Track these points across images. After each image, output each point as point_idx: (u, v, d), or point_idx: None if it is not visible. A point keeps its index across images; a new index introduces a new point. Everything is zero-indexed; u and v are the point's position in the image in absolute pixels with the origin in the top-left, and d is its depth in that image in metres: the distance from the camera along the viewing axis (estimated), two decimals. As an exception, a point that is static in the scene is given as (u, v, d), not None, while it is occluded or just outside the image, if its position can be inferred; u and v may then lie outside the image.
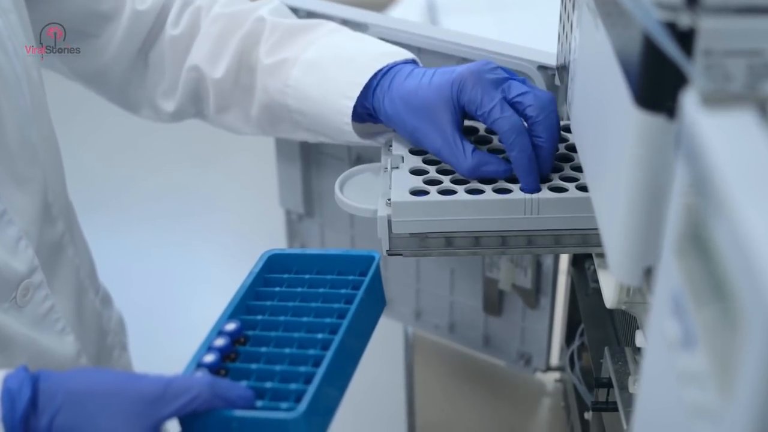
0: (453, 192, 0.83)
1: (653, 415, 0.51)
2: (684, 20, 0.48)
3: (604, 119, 0.64)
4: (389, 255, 0.85)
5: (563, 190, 0.82)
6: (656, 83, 0.52)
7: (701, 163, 0.42)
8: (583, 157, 0.76)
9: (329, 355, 0.69)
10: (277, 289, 0.79)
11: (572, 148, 0.87)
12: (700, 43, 0.48)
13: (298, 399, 0.66)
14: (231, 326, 0.74)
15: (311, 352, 0.71)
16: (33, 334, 0.84)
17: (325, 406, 0.67)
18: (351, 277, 0.79)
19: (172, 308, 2.49)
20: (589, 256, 0.98)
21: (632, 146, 0.55)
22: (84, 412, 0.64)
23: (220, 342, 0.72)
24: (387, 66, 0.91)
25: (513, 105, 0.84)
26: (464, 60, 1.01)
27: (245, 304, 0.77)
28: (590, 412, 0.94)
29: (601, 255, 0.79)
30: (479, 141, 0.91)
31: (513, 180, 0.84)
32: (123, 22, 0.97)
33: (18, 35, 0.84)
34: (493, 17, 1.82)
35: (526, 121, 0.84)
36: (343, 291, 0.77)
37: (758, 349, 0.36)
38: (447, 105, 0.85)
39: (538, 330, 1.15)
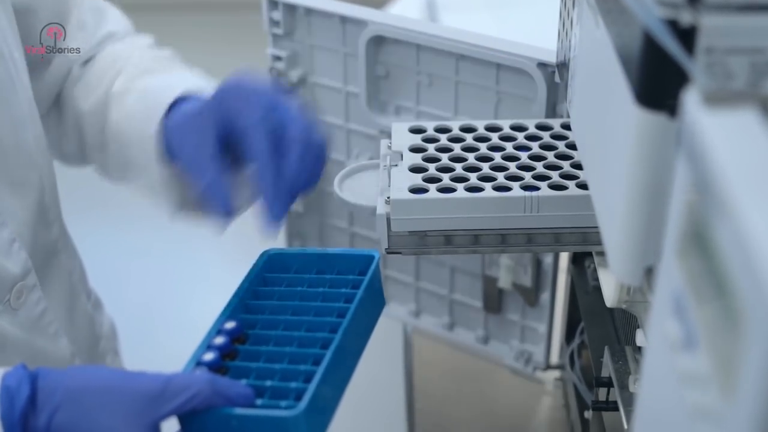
0: (453, 190, 0.82)
1: (654, 416, 0.51)
2: (685, 18, 0.48)
3: (605, 117, 0.63)
4: (388, 253, 0.84)
5: (563, 187, 0.82)
6: (657, 81, 0.52)
7: (703, 162, 0.42)
8: (583, 155, 0.76)
9: (329, 353, 0.69)
10: (277, 288, 0.79)
11: (572, 146, 0.87)
12: (701, 40, 0.48)
13: (298, 397, 0.66)
14: (230, 325, 0.74)
15: (311, 350, 0.71)
16: (27, 336, 0.84)
17: (325, 405, 0.67)
18: (351, 277, 0.79)
19: (171, 306, 2.49)
20: (589, 254, 0.98)
21: (633, 145, 0.54)
22: (83, 409, 0.64)
23: (219, 340, 0.72)
24: (186, 95, 0.86)
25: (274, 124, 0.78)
26: (463, 57, 1.01)
27: (245, 304, 0.77)
28: (590, 411, 0.94)
29: (602, 253, 0.78)
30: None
31: (513, 178, 0.84)
32: (55, 65, 0.94)
33: (9, 39, 0.84)
34: (493, 14, 1.82)
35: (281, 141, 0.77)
36: (342, 290, 0.77)
37: (760, 350, 0.35)
38: (209, 118, 0.80)
39: (538, 328, 1.15)
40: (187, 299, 2.52)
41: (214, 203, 0.79)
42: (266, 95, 0.79)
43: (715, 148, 0.41)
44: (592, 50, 0.68)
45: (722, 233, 0.39)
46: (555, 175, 0.84)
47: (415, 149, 0.89)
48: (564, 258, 1.12)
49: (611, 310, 0.96)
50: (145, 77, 0.91)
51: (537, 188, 0.82)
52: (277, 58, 1.12)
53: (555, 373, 1.20)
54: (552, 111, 0.97)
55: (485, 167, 0.86)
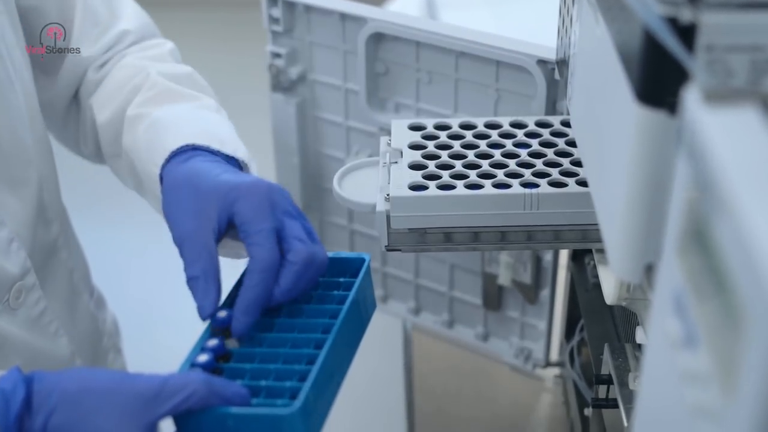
0: (452, 187, 0.82)
1: (654, 415, 0.51)
2: (685, 15, 0.48)
3: (605, 114, 0.63)
4: (388, 250, 0.84)
5: (563, 185, 0.82)
6: (657, 79, 0.52)
7: (703, 160, 0.42)
8: (582, 152, 0.76)
9: (323, 352, 0.69)
10: None
11: (572, 143, 0.87)
12: (701, 38, 0.47)
13: (293, 396, 0.66)
14: (224, 329, 0.74)
15: (305, 351, 0.71)
16: (26, 336, 0.84)
17: (321, 403, 0.68)
18: (342, 279, 0.79)
19: (168, 304, 2.49)
20: (589, 251, 0.98)
21: (633, 142, 0.54)
22: (79, 412, 0.63)
23: (213, 342, 0.72)
24: (196, 145, 0.83)
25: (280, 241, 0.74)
26: (463, 54, 1.01)
27: None
28: (590, 409, 0.94)
29: (601, 250, 0.78)
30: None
31: (512, 175, 0.84)
32: (68, 64, 0.94)
33: (9, 37, 0.84)
34: (493, 11, 1.81)
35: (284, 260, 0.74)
36: (335, 293, 0.78)
37: (761, 348, 0.35)
38: (218, 199, 0.76)
39: (538, 325, 1.15)
40: (185, 296, 2.52)
41: (196, 300, 0.75)
42: (278, 208, 0.75)
43: (715, 146, 0.41)
44: (592, 47, 0.68)
45: (722, 231, 0.39)
46: (555, 173, 0.84)
47: (414, 146, 0.89)
48: (564, 255, 1.12)
49: (611, 307, 0.96)
50: (158, 106, 0.89)
51: (537, 185, 0.82)
52: (277, 55, 1.12)
53: (555, 371, 1.20)
54: (552, 108, 0.97)
55: (485, 164, 0.86)
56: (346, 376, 0.73)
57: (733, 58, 0.47)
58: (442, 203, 0.81)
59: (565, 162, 0.85)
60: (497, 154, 0.87)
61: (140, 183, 0.90)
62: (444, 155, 0.88)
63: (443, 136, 0.91)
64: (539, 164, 0.85)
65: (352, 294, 0.76)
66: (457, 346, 1.25)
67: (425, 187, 0.82)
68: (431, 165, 0.86)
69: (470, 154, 0.87)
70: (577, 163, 0.84)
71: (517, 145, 0.89)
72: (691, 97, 0.45)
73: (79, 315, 0.94)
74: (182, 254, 0.77)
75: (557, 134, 0.90)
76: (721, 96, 0.44)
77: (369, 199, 0.86)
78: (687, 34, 0.48)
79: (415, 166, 0.86)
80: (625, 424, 0.79)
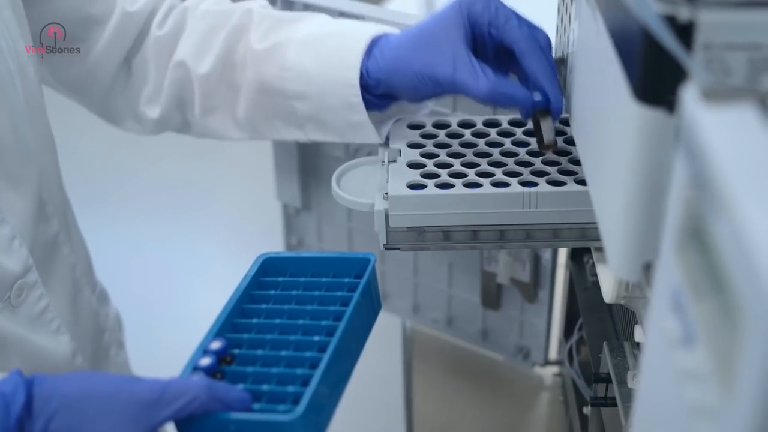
0: (451, 186, 0.82)
1: (653, 413, 0.51)
2: (683, 13, 0.48)
3: (603, 113, 0.63)
4: (386, 249, 0.84)
5: (562, 183, 0.82)
6: (655, 77, 0.51)
7: (701, 158, 0.42)
8: (581, 150, 0.76)
9: (326, 357, 0.68)
10: (272, 292, 0.78)
11: (570, 141, 0.87)
12: (699, 36, 0.47)
13: (295, 401, 0.65)
14: (226, 331, 0.74)
15: (308, 354, 0.70)
16: (28, 334, 0.84)
17: (323, 408, 0.67)
18: (346, 280, 0.78)
19: (170, 301, 2.49)
20: (588, 250, 0.98)
21: (631, 141, 0.54)
22: (80, 416, 0.63)
23: (215, 345, 0.71)
24: (383, 33, 0.89)
25: None
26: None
27: (240, 308, 0.76)
28: (589, 407, 0.94)
29: (600, 249, 0.78)
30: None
31: (511, 174, 0.84)
32: (111, 25, 0.94)
33: (13, 31, 0.83)
34: (491, 9, 1.82)
35: None
36: (338, 293, 0.77)
37: (758, 347, 0.35)
38: (457, 25, 0.82)
39: (537, 324, 1.15)
40: (185, 293, 2.52)
41: (515, 99, 0.81)
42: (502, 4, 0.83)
43: (713, 144, 0.41)
44: (590, 46, 0.68)
45: (720, 229, 0.39)
46: (553, 171, 0.84)
47: (413, 145, 0.89)
48: (563, 254, 1.12)
49: (610, 305, 0.96)
50: (288, 30, 0.93)
51: (535, 184, 0.82)
52: (275, 54, 1.12)
53: (553, 369, 1.21)
54: (550, 106, 0.97)
55: (483, 163, 0.86)
56: (349, 380, 0.72)
57: (731, 57, 0.47)
58: (441, 202, 0.81)
59: (564, 161, 0.85)
60: (496, 152, 0.87)
61: (298, 109, 0.93)
62: (443, 154, 0.88)
63: (442, 134, 0.91)
64: (538, 163, 0.85)
65: (357, 295, 0.75)
66: (456, 344, 1.25)
67: (424, 186, 0.82)
68: (430, 164, 0.86)
69: (469, 153, 0.87)
70: (576, 162, 0.84)
71: (516, 143, 0.89)
72: (689, 95, 0.44)
73: (81, 311, 0.94)
74: (464, 86, 0.82)
75: (556, 133, 0.89)
76: (719, 94, 0.44)
77: (368, 197, 0.85)
78: (685, 32, 0.48)
79: (413, 165, 0.86)
80: (624, 422, 0.79)
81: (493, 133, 0.90)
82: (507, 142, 0.89)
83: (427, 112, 0.97)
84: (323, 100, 0.91)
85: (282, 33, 0.94)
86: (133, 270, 2.53)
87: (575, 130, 0.79)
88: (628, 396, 0.80)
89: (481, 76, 0.81)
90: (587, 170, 0.72)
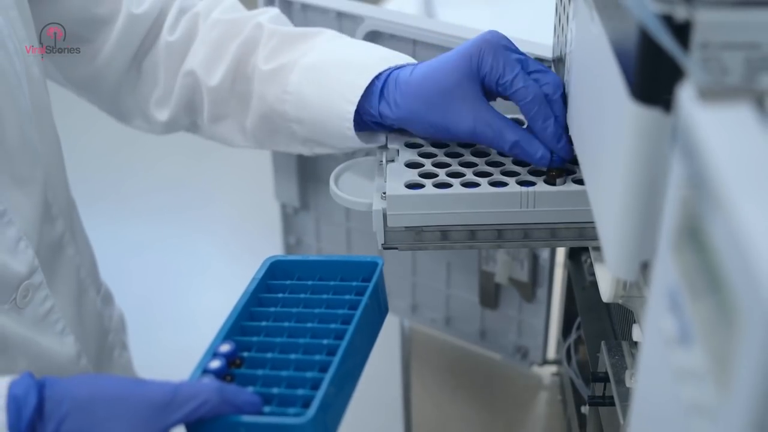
0: (449, 185, 0.82)
1: (650, 412, 0.51)
2: (680, 13, 0.48)
3: (600, 112, 0.63)
4: (384, 249, 0.84)
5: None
6: (652, 76, 0.52)
7: (697, 158, 0.42)
8: (579, 150, 0.76)
9: (336, 360, 0.68)
10: (280, 295, 0.78)
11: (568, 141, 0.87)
12: (696, 36, 0.48)
13: (305, 404, 0.65)
14: (235, 334, 0.74)
15: (317, 357, 0.70)
16: (33, 335, 0.83)
17: (333, 411, 0.67)
18: (354, 283, 0.78)
19: (169, 300, 2.49)
20: (586, 249, 0.98)
21: (628, 140, 0.54)
22: (91, 418, 0.63)
23: (225, 348, 0.71)
24: (389, 69, 0.89)
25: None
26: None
27: (248, 311, 0.76)
28: (587, 406, 0.94)
29: (598, 248, 0.78)
30: None
31: (509, 173, 0.84)
32: (118, 27, 0.95)
33: (19, 32, 0.83)
34: (490, 9, 1.82)
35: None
36: (346, 297, 0.77)
37: (755, 346, 0.35)
38: (470, 78, 0.83)
39: (535, 323, 1.15)
40: (184, 292, 2.52)
41: (533, 159, 0.83)
42: (518, 53, 0.84)
43: (709, 144, 0.41)
44: (588, 45, 0.68)
45: (716, 228, 0.39)
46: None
47: (411, 145, 0.89)
48: (561, 253, 1.12)
49: (608, 305, 0.96)
50: (295, 52, 0.94)
51: (533, 183, 0.82)
52: (274, 54, 1.12)
53: (552, 368, 1.21)
54: (548, 106, 0.97)
55: (481, 163, 0.86)
56: (358, 383, 0.72)
57: (728, 56, 0.47)
58: (439, 201, 0.81)
59: (562, 160, 0.85)
60: (494, 152, 0.87)
61: (296, 131, 0.94)
62: (440, 153, 0.88)
63: (440, 134, 0.91)
64: (536, 162, 0.85)
65: (365, 299, 0.75)
66: (454, 344, 1.25)
67: (422, 186, 0.82)
68: (428, 163, 0.86)
69: (467, 153, 0.88)
70: (574, 161, 0.84)
71: None
72: (685, 94, 0.45)
73: (86, 312, 0.94)
74: (487, 138, 0.84)
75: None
76: (716, 94, 0.44)
77: (366, 197, 0.85)
78: (682, 31, 0.48)
79: (411, 165, 0.86)
80: (622, 421, 0.79)
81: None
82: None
83: None
84: (318, 127, 0.92)
85: (288, 54, 0.94)
86: (133, 269, 2.54)
87: (573, 129, 0.79)
88: (626, 395, 0.80)
89: (505, 130, 0.83)
90: (585, 169, 0.73)
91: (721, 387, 0.39)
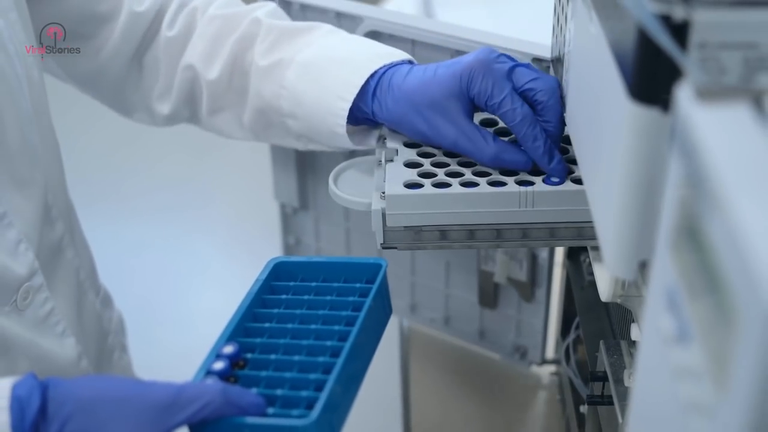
0: (448, 185, 0.82)
1: (648, 411, 0.51)
2: (678, 13, 0.48)
3: (599, 112, 0.64)
4: (383, 248, 0.84)
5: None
6: (650, 76, 0.52)
7: (695, 157, 0.42)
8: (577, 149, 0.76)
9: (340, 362, 0.68)
10: (284, 296, 0.78)
11: (567, 140, 0.87)
12: (694, 35, 0.48)
13: (309, 406, 0.65)
14: (238, 335, 0.74)
15: (321, 359, 0.70)
16: (33, 337, 0.84)
17: (337, 413, 0.67)
18: (358, 285, 0.78)
19: (169, 300, 2.49)
20: (585, 249, 0.98)
21: (626, 139, 0.54)
22: (95, 419, 0.63)
23: (228, 349, 0.71)
24: (384, 67, 0.90)
25: (523, 93, 0.83)
26: (459, 53, 1.00)
27: (252, 312, 0.76)
28: (586, 406, 0.94)
29: (597, 248, 0.79)
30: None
31: (508, 173, 0.84)
32: (120, 24, 0.95)
33: (19, 35, 0.83)
34: (488, 9, 1.82)
35: (535, 106, 0.83)
36: (350, 299, 0.77)
37: (753, 344, 0.35)
38: (458, 97, 0.84)
39: (534, 323, 1.15)
40: (184, 292, 2.52)
41: (517, 165, 0.84)
42: (511, 69, 0.84)
43: (707, 143, 0.41)
44: (587, 45, 0.68)
45: (715, 228, 0.39)
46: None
47: (410, 144, 0.89)
48: (559, 252, 1.12)
49: (606, 304, 0.96)
50: (291, 48, 0.94)
51: (532, 183, 0.82)
52: (273, 54, 1.12)
53: (551, 368, 1.21)
54: (547, 106, 0.97)
55: (480, 162, 0.86)
56: (361, 385, 0.72)
57: (726, 56, 0.47)
58: (438, 201, 0.81)
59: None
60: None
61: (291, 126, 0.95)
62: (439, 153, 0.88)
63: (439, 134, 0.91)
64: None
65: (369, 300, 0.75)
66: (453, 343, 1.25)
67: (421, 185, 0.83)
68: (427, 163, 0.86)
69: (466, 152, 0.88)
70: (572, 161, 0.85)
71: (513, 142, 0.89)
72: (684, 94, 0.45)
73: (86, 314, 0.94)
74: (467, 151, 0.85)
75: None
76: (714, 93, 0.44)
77: (365, 197, 0.86)
78: (680, 31, 0.48)
79: (410, 164, 0.86)
80: (620, 420, 0.79)
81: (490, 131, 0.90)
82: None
83: None
84: (311, 124, 0.93)
85: (285, 50, 0.95)
86: (132, 269, 2.53)
87: (571, 129, 0.79)
88: (624, 394, 0.80)
89: (483, 145, 0.84)
90: (583, 169, 0.73)
91: (719, 386, 0.39)
